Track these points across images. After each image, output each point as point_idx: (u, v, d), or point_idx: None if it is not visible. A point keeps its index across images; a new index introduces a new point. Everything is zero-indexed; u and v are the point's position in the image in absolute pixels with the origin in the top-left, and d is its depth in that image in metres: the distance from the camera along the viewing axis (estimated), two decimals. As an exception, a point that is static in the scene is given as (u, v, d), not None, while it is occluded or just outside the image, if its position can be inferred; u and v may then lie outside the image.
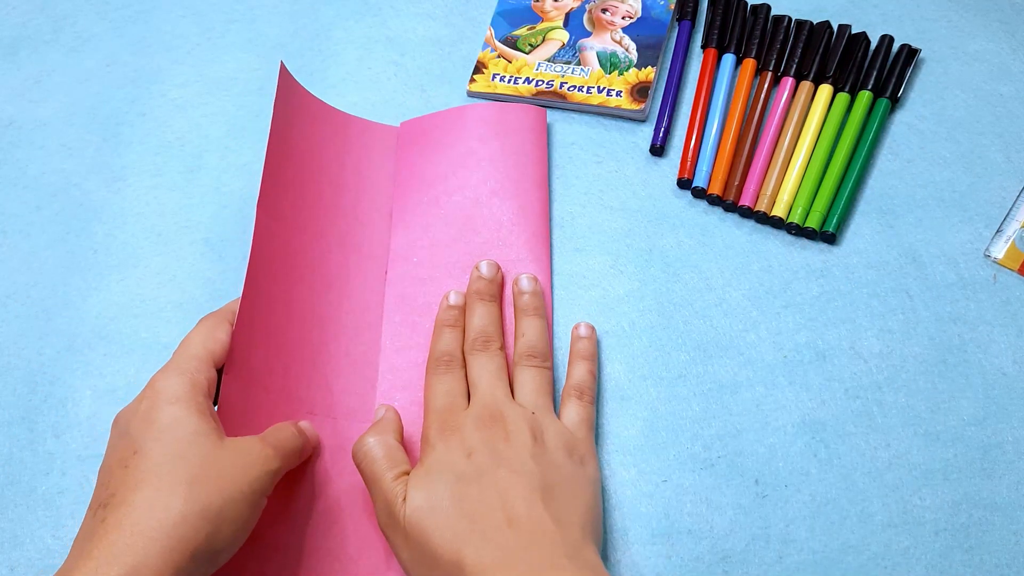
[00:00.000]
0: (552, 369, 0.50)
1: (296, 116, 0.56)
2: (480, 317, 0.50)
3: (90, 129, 0.63)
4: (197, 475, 0.39)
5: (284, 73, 0.55)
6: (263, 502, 0.42)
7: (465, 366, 0.49)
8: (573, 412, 0.48)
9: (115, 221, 0.58)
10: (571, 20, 0.64)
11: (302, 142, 0.56)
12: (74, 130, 0.63)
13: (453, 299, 0.52)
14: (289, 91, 0.56)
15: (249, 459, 0.41)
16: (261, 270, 0.49)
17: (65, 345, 0.54)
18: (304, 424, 0.47)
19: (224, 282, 0.56)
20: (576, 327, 0.52)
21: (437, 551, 0.40)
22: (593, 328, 0.52)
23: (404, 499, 0.42)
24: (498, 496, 0.41)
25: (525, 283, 0.52)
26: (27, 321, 0.55)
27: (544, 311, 0.52)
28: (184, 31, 0.67)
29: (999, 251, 0.54)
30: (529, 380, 0.48)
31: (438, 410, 0.47)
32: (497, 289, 0.52)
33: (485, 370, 0.48)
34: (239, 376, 0.47)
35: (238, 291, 0.55)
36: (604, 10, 0.64)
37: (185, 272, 0.56)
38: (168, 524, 0.37)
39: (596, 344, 0.52)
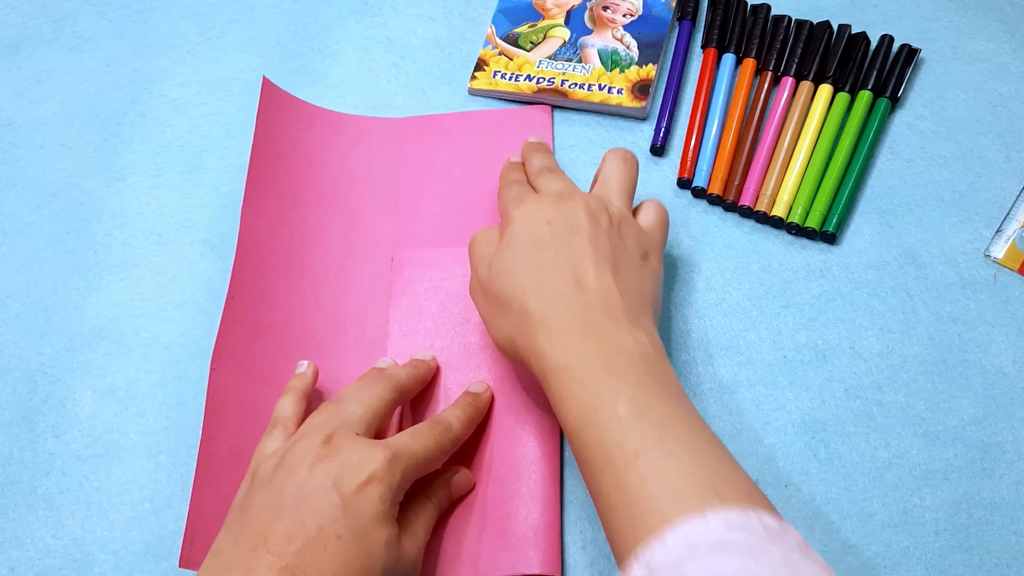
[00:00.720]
0: None
1: (283, 123, 0.58)
2: (542, 157, 0.53)
3: (90, 129, 0.62)
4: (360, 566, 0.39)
5: (267, 85, 0.57)
6: None
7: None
8: (652, 212, 0.50)
9: (115, 221, 0.58)
10: (572, 18, 0.64)
11: (291, 145, 0.57)
12: (74, 130, 0.63)
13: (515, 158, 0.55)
14: (274, 101, 0.57)
15: (410, 565, 0.42)
16: (250, 268, 0.51)
17: (65, 345, 0.54)
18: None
19: (224, 282, 0.55)
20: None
21: (509, 300, 0.43)
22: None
23: (490, 264, 0.46)
24: (570, 260, 0.43)
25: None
26: (27, 321, 0.55)
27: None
28: (184, 31, 0.67)
29: (999, 251, 0.54)
30: (612, 174, 0.50)
31: (515, 187, 0.50)
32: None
33: (556, 179, 0.50)
34: (232, 369, 0.48)
35: (238, 291, 0.55)
36: (605, 8, 0.64)
37: (185, 272, 0.56)
38: None
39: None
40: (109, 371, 0.53)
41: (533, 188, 0.51)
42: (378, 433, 0.45)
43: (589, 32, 0.63)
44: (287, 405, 0.47)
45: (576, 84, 0.61)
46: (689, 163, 0.57)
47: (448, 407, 0.48)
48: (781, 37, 0.61)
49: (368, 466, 0.40)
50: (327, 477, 0.40)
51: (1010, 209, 0.55)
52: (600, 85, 0.60)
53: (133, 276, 0.56)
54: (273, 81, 0.63)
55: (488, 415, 0.49)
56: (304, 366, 0.50)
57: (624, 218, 0.47)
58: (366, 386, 0.46)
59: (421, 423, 0.45)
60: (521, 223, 0.46)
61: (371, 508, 0.39)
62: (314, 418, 0.44)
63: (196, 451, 0.47)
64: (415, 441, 0.43)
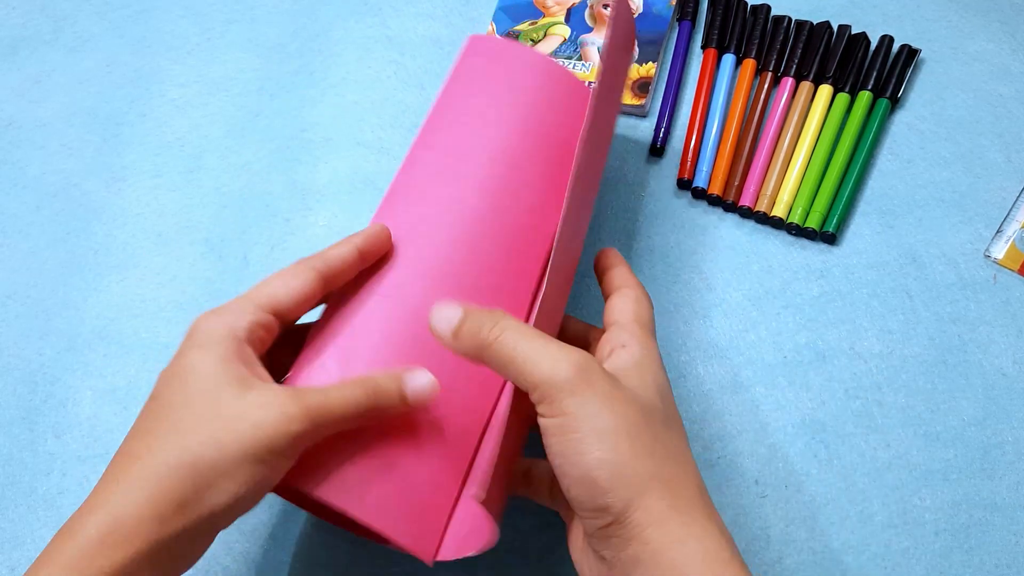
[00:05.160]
0: None
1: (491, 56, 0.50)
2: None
3: (90, 129, 0.62)
4: (195, 425, 0.36)
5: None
6: (284, 463, 0.38)
7: None
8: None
9: (115, 221, 0.58)
10: (573, 15, 0.64)
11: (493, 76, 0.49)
12: (74, 130, 0.62)
13: None
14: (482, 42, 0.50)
15: (265, 416, 0.37)
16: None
17: (65, 345, 0.54)
18: (400, 375, 0.40)
19: (224, 282, 0.56)
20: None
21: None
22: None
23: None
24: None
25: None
26: (27, 321, 0.55)
27: None
28: (184, 31, 0.67)
29: (999, 251, 0.54)
30: None
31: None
32: None
33: None
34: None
35: (238, 291, 0.55)
36: (606, 5, 0.64)
37: (185, 272, 0.56)
38: (153, 474, 0.35)
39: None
40: (109, 371, 0.53)
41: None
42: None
43: (589, 30, 0.63)
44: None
45: (576, 84, 0.61)
46: (689, 164, 0.57)
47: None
48: (781, 37, 0.61)
49: None
50: None
51: (1010, 209, 0.55)
52: (600, 85, 0.60)
53: (133, 276, 0.56)
54: (273, 81, 0.63)
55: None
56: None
57: None
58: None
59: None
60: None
61: None
62: None
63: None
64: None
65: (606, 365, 0.39)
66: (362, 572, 0.47)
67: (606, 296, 0.44)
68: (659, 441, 0.36)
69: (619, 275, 0.44)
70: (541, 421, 0.36)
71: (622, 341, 0.40)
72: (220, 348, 0.38)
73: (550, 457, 0.36)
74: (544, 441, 0.36)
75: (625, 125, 0.60)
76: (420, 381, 0.40)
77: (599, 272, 0.46)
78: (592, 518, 0.35)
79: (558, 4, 0.65)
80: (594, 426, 0.35)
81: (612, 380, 0.37)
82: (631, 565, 0.35)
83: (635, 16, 0.64)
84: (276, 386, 0.38)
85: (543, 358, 0.36)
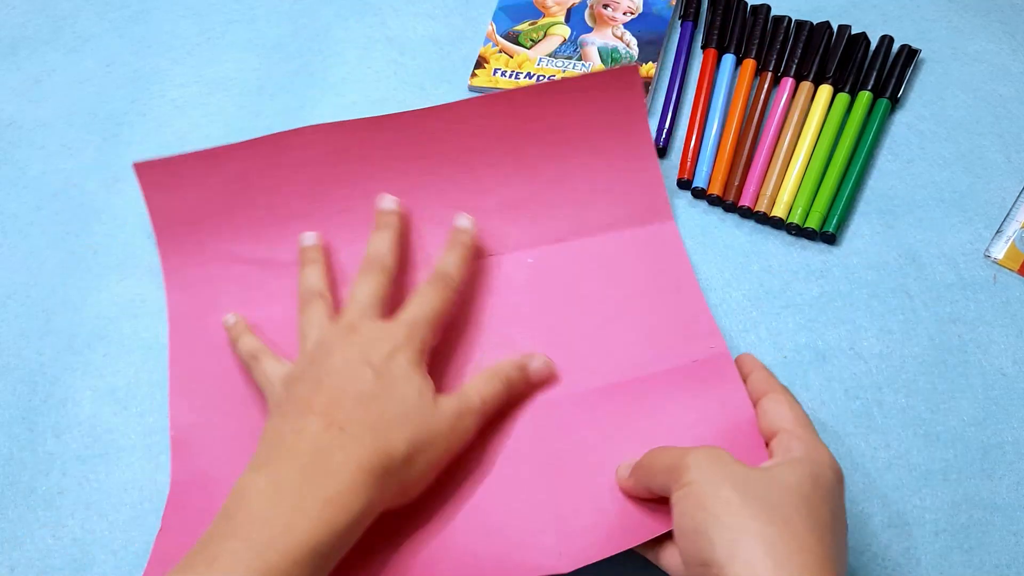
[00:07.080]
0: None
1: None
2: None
3: (90, 129, 0.62)
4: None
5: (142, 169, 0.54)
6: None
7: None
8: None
9: (115, 221, 0.58)
10: (573, 16, 0.64)
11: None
12: (74, 130, 0.63)
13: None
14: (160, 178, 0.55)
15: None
16: None
17: (65, 345, 0.54)
18: (523, 363, 0.49)
19: (224, 282, 0.56)
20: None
21: None
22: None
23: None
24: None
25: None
26: (27, 321, 0.55)
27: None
28: (184, 31, 0.67)
29: (999, 251, 0.54)
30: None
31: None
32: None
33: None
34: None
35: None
36: (605, 6, 0.64)
37: (185, 272, 0.56)
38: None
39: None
40: (109, 371, 0.53)
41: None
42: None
43: (589, 30, 0.63)
44: (316, 276, 0.50)
45: (576, 84, 0.61)
46: (689, 164, 0.57)
47: (442, 254, 0.51)
48: (781, 38, 0.61)
49: (390, 341, 0.45)
50: (358, 354, 0.44)
51: (1010, 209, 0.55)
52: (600, 85, 0.60)
53: (133, 276, 0.56)
54: (273, 81, 0.63)
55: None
56: (312, 237, 0.52)
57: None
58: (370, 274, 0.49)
59: (423, 283, 0.49)
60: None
61: (398, 370, 0.44)
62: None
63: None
64: (423, 306, 0.47)
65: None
66: None
67: (753, 402, 0.45)
68: (788, 517, 0.36)
69: (761, 379, 0.46)
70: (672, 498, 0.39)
71: (789, 446, 0.41)
72: (421, 363, 0.46)
73: (674, 527, 0.38)
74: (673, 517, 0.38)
75: (625, 125, 0.60)
76: (538, 363, 0.48)
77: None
78: (698, 573, 0.36)
79: (558, 4, 0.65)
80: (712, 491, 0.37)
81: (738, 465, 0.38)
82: None
83: (635, 16, 0.64)
84: (448, 395, 0.45)
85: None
